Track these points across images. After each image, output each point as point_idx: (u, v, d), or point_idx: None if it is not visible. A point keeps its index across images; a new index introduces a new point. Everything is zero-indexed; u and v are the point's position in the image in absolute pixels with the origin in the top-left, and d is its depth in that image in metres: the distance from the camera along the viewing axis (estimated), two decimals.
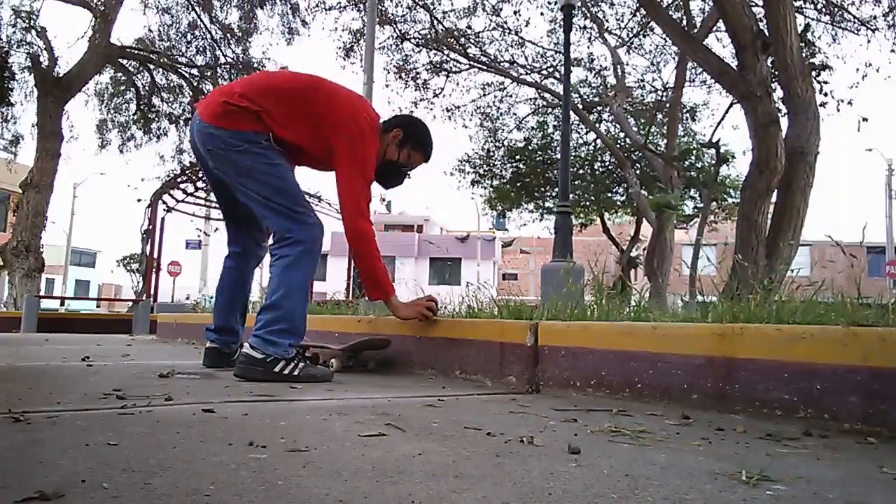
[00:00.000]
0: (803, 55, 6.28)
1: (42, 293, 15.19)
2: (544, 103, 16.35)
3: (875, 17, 11.59)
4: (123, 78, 15.85)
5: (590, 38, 14.53)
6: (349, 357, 2.91)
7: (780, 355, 1.65)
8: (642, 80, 15.62)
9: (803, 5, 11.14)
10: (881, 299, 2.08)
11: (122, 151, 16.78)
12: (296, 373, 2.40)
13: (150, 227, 10.58)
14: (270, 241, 2.59)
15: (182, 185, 11.08)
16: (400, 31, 14.54)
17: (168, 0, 15.31)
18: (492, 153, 17.54)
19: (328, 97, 2.54)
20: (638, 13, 13.33)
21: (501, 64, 15.00)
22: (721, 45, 11.99)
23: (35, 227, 12.96)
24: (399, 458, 1.19)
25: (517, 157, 17.10)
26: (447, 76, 15.40)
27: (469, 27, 14.52)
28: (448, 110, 15.99)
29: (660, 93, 14.98)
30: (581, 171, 17.07)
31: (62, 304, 18.82)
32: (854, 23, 11.73)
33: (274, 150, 2.47)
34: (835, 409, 1.54)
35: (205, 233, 18.79)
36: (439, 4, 14.40)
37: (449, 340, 2.67)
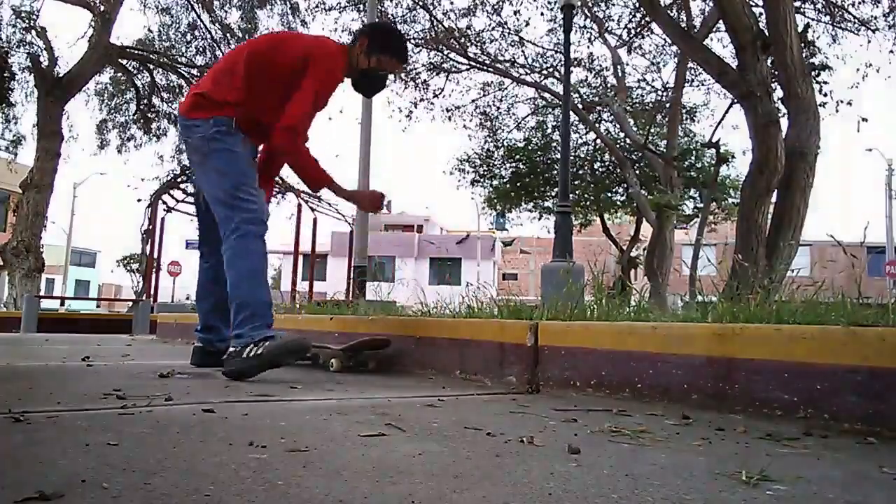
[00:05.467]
0: (803, 55, 6.28)
1: (42, 293, 15.17)
2: (544, 103, 16.33)
3: (875, 17, 11.57)
4: (123, 78, 15.83)
5: (590, 38, 14.50)
6: (349, 357, 2.91)
7: (780, 355, 1.65)
8: (642, 80, 15.62)
9: (803, 5, 11.12)
10: (881, 299, 2.08)
11: (121, 151, 16.78)
12: (259, 351, 2.41)
13: (150, 227, 10.58)
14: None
15: (182, 185, 11.09)
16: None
17: (168, 0, 15.33)
18: (491, 153, 17.53)
19: (290, 43, 2.67)
20: (638, 13, 13.32)
21: (501, 64, 14.98)
22: (721, 45, 11.97)
23: (35, 227, 12.94)
24: (399, 458, 1.19)
25: (517, 157, 17.08)
26: (447, 76, 15.38)
27: (469, 27, 14.50)
28: (448, 111, 15.98)
29: (660, 93, 14.97)
30: (581, 171, 17.05)
31: (62, 304, 18.76)
32: (854, 23, 11.71)
33: (234, 136, 2.57)
34: (835, 409, 1.54)
35: None
36: (439, 4, 14.39)
37: (449, 340, 2.67)
